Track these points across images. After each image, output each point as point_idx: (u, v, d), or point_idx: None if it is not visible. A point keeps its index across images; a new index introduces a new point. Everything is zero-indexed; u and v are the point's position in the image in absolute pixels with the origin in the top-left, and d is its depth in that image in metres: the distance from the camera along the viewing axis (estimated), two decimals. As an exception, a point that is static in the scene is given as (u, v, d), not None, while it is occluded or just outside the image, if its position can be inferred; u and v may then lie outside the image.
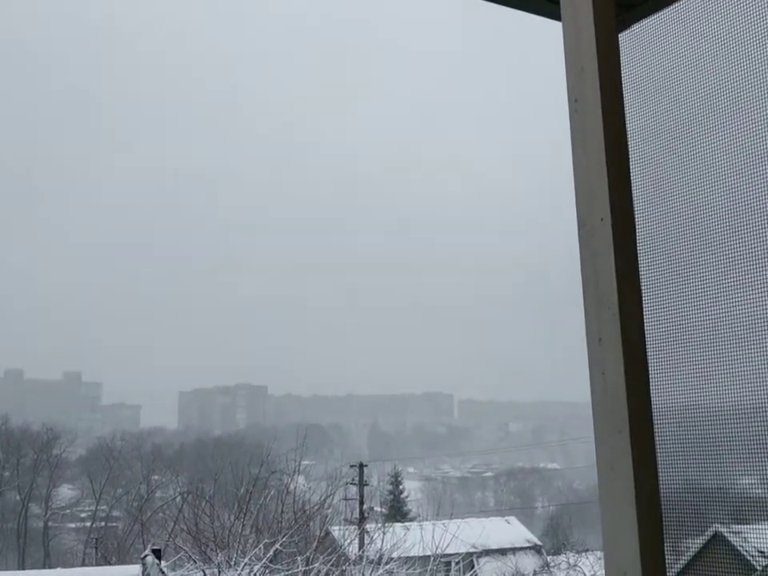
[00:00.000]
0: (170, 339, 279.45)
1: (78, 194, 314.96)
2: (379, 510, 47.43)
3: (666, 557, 2.20)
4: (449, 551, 24.07)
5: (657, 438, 2.29)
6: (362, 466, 37.80)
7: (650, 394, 2.28)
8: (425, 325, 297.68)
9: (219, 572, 18.19)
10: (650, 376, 2.34)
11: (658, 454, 2.28)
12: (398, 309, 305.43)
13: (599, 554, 47.18)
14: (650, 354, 2.37)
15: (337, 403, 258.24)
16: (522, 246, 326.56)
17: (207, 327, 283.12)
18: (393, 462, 72.49)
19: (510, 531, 49.35)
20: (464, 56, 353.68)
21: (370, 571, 19.52)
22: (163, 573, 17.27)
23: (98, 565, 47.89)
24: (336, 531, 24.25)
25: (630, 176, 2.47)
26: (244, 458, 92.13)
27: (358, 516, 32.24)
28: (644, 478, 2.17)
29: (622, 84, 2.53)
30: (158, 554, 17.84)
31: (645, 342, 2.35)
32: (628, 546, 2.13)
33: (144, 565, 17.36)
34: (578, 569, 42.77)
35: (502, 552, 46.26)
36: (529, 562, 46.42)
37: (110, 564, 29.38)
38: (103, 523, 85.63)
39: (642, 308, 2.36)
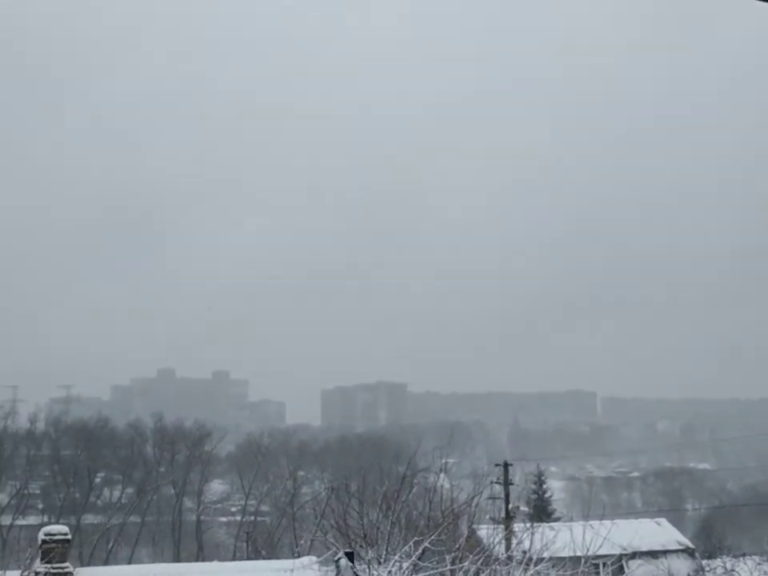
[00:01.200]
0: (312, 338, 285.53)
1: (231, 205, 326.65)
2: (525, 509, 46.74)
3: None
4: (599, 552, 23.36)
5: None
6: (506, 464, 37.32)
7: None
8: (566, 320, 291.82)
9: (369, 568, 18.31)
10: None
11: None
12: (537, 304, 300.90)
13: (758, 558, 44.90)
14: None
15: (477, 401, 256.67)
16: (668, 240, 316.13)
17: (348, 326, 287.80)
18: (535, 461, 71.35)
19: (661, 533, 47.56)
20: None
21: (519, 572, 19.21)
22: None
23: (248, 558, 49.27)
24: (483, 530, 24.03)
25: None
26: (387, 455, 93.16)
27: (503, 515, 31.88)
28: None
29: None
30: (350, 556, 17.97)
31: None
32: None
33: (338, 567, 17.54)
34: (736, 574, 40.85)
35: (653, 555, 44.68)
36: (681, 566, 44.64)
37: (263, 557, 30.15)
38: (252, 517, 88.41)
39: None
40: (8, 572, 17.71)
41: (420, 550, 18.64)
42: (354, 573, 17.62)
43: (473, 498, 22.13)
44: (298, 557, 22.82)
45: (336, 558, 17.83)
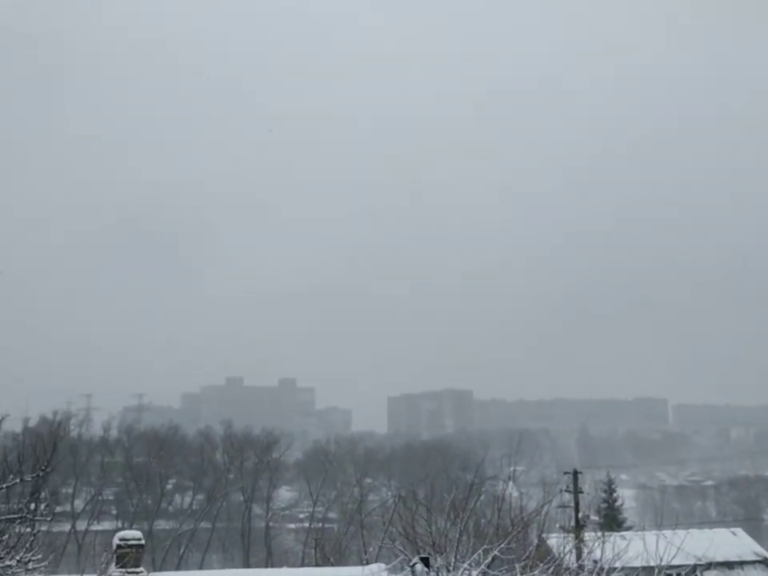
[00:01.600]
0: (378, 345, 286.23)
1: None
2: (595, 518, 46.06)
3: None
4: (673, 563, 22.90)
5: None
6: (576, 472, 36.87)
7: None
8: (635, 324, 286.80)
9: (438, 576, 18.25)
10: None
11: None
12: (604, 307, 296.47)
13: (840, 571, 43.38)
14: None
15: (544, 408, 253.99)
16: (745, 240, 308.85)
17: (413, 333, 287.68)
18: (605, 469, 70.19)
19: (737, 543, 46.31)
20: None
21: (590, 581, 18.95)
22: None
23: (316, 565, 49.43)
24: (553, 539, 23.76)
25: None
26: (453, 463, 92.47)
27: (573, 524, 31.46)
28: None
29: None
30: (426, 562, 17.96)
31: None
32: None
33: (413, 573, 17.55)
34: (816, 587, 39.60)
35: (729, 566, 43.54)
36: (758, 577, 43.45)
37: (331, 564, 30.26)
38: (320, 524, 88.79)
39: None
40: (85, 576, 18.14)
41: (489, 558, 18.53)
42: None
43: (542, 507, 21.91)
44: (367, 564, 22.86)
45: (411, 564, 17.81)
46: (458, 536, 19.68)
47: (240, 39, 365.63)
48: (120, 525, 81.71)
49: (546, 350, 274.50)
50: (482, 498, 23.95)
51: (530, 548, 20.31)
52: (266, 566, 71.85)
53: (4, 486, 15.00)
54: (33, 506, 17.45)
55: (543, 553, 21.44)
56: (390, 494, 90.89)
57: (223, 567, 75.45)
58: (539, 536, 21.41)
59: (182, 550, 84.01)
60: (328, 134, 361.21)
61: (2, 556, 15.33)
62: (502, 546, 18.60)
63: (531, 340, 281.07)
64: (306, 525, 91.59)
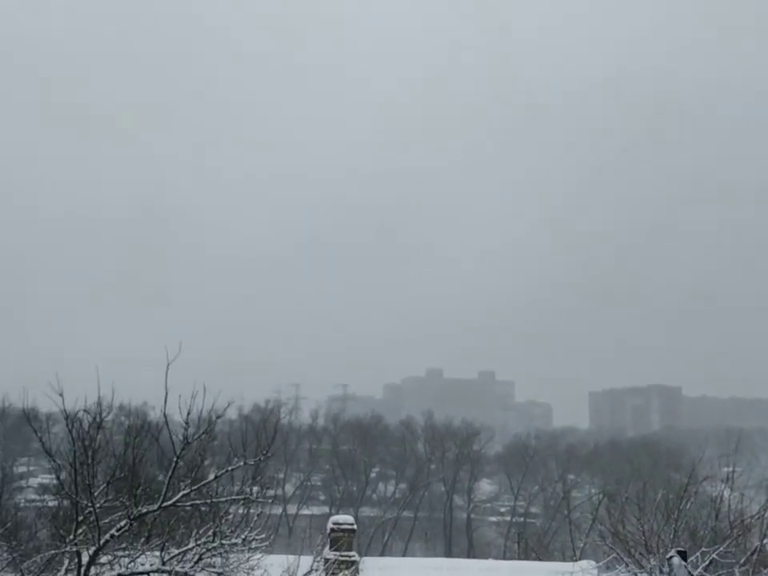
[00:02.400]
0: (578, 339, 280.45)
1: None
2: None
3: None
4: None
5: None
6: (799, 475, 34.58)
7: None
8: None
9: (652, 577, 17.73)
10: None
11: None
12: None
13: None
14: None
15: (760, 406, 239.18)
16: None
17: (616, 326, 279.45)
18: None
19: None
20: None
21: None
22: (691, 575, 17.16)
23: (519, 559, 49.19)
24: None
25: None
26: (660, 461, 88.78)
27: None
28: None
29: None
30: (683, 555, 17.68)
31: None
32: None
33: (670, 566, 17.36)
34: None
35: None
36: None
37: (539, 559, 30.06)
38: (522, 518, 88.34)
39: None
40: (302, 557, 19.05)
41: (707, 562, 17.81)
42: (688, 572, 17.09)
43: (765, 510, 20.72)
44: (576, 560, 22.54)
45: (668, 557, 17.44)
46: (671, 537, 19.02)
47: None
48: (327, 510, 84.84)
49: (760, 345, 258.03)
50: (692, 498, 22.95)
51: (750, 553, 19.31)
52: (468, 557, 72.29)
53: (230, 468, 16.00)
54: (253, 488, 18.50)
55: (765, 558, 20.30)
56: (593, 491, 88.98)
57: (425, 556, 76.54)
58: (761, 541, 20.28)
59: (385, 537, 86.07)
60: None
61: (227, 534, 16.37)
62: (721, 549, 17.79)
63: (744, 336, 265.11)
64: (507, 518, 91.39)
